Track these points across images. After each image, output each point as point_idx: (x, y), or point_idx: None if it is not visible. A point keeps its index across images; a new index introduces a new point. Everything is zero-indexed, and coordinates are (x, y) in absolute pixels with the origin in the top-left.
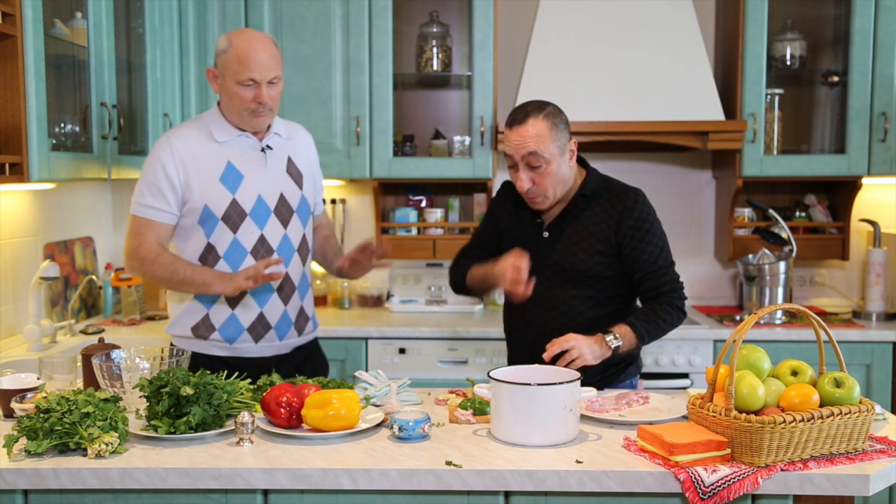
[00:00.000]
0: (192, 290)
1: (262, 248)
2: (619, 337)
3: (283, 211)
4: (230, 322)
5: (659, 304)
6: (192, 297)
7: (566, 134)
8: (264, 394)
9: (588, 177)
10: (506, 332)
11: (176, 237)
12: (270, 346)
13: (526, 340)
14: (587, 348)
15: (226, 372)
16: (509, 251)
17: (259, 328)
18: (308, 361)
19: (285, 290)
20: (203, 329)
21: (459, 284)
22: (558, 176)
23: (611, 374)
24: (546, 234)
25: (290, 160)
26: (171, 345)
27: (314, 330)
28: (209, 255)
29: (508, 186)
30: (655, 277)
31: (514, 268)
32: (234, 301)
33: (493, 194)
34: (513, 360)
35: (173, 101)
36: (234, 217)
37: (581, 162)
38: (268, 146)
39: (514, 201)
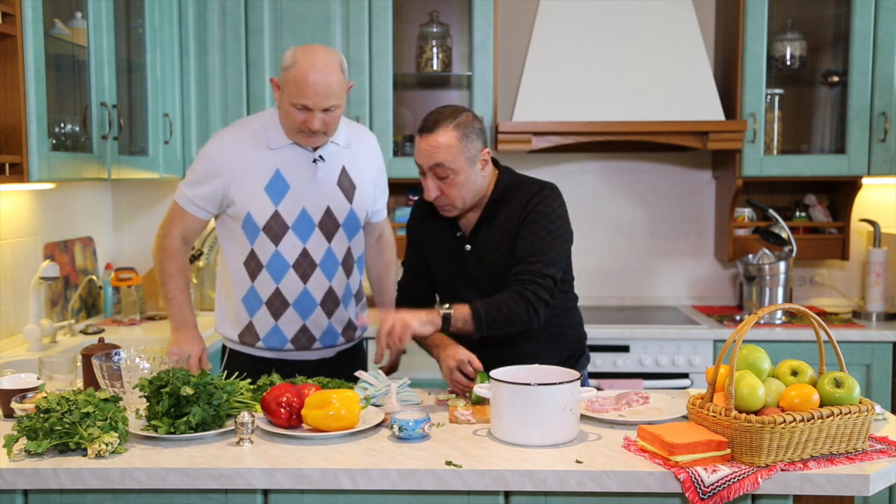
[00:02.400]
0: (165, 308)
1: (304, 262)
2: (451, 307)
3: (329, 225)
4: (274, 333)
5: (508, 293)
6: (238, 300)
7: (478, 143)
8: (264, 394)
9: (499, 179)
10: None
11: (225, 237)
12: (317, 352)
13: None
14: (408, 315)
15: (226, 372)
16: (440, 274)
17: (303, 340)
18: (351, 362)
19: (329, 304)
20: (248, 337)
21: None
22: (467, 186)
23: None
24: (468, 247)
25: (343, 171)
26: (223, 346)
27: (363, 333)
28: (252, 262)
29: (421, 205)
30: (523, 263)
31: (456, 373)
32: (277, 313)
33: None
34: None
35: (173, 101)
36: (275, 229)
37: (496, 164)
38: (320, 157)
39: (432, 218)
